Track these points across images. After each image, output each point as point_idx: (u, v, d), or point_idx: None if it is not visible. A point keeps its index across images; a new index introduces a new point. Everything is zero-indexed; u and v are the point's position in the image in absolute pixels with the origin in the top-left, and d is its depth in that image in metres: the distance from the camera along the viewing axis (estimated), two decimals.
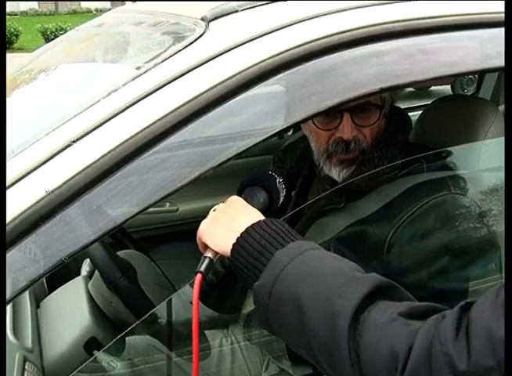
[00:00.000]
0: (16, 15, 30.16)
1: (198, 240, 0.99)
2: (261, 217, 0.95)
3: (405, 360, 0.73)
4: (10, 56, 2.91)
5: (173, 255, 2.22)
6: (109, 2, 37.15)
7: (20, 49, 18.45)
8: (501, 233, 1.35)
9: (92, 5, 36.49)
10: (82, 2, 37.18)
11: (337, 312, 0.78)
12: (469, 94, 3.18)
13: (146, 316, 1.15)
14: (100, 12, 32.92)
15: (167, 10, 1.33)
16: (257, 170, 1.21)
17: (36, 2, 35.54)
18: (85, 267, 1.60)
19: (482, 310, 0.72)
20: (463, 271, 1.25)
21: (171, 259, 2.13)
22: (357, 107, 1.33)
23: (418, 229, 1.26)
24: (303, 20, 1.03)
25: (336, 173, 1.42)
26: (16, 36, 19.81)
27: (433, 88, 6.48)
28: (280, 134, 0.99)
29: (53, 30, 19.94)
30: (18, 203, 0.87)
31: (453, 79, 5.27)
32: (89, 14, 32.88)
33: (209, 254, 0.96)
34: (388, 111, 1.44)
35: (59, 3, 36.76)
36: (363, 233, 1.31)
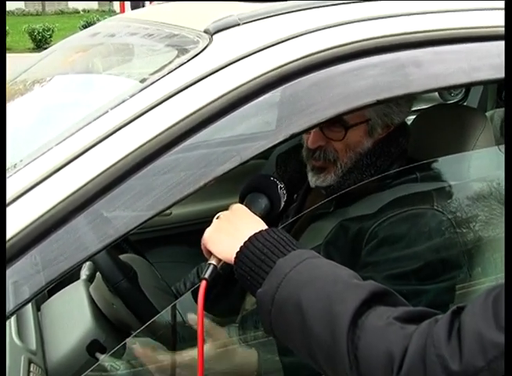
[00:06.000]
0: None
1: (202, 247, 1.02)
2: (264, 226, 0.99)
3: (401, 361, 0.77)
4: None
5: (166, 258, 2.25)
6: (96, 3, 36.97)
7: (8, 49, 18.34)
8: (487, 238, 1.40)
9: (80, 6, 36.27)
10: (69, 2, 36.96)
11: (337, 317, 0.82)
12: (456, 99, 3.23)
13: (151, 321, 1.18)
14: (88, 12, 32.72)
15: (168, 20, 1.36)
16: (259, 175, 1.24)
17: (22, 2, 35.28)
18: (84, 271, 1.62)
19: (472, 313, 0.77)
20: (424, 283, 1.28)
21: (164, 262, 2.15)
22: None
23: (391, 233, 1.31)
24: (301, 34, 1.06)
25: (310, 178, 1.47)
26: (5, 36, 19.68)
27: None
28: (281, 144, 1.02)
29: (40, 30, 19.77)
30: (28, 212, 0.90)
31: None
32: (77, 14, 32.69)
33: (213, 262, 0.99)
34: (380, 129, 1.43)
35: (46, 3, 36.51)
36: (347, 231, 1.36)
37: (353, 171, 1.42)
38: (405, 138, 1.47)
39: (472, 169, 1.41)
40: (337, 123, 1.38)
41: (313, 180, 1.46)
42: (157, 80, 1.01)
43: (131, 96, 0.99)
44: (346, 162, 1.42)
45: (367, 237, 1.33)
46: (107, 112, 0.97)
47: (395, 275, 1.27)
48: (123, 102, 0.98)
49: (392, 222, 1.32)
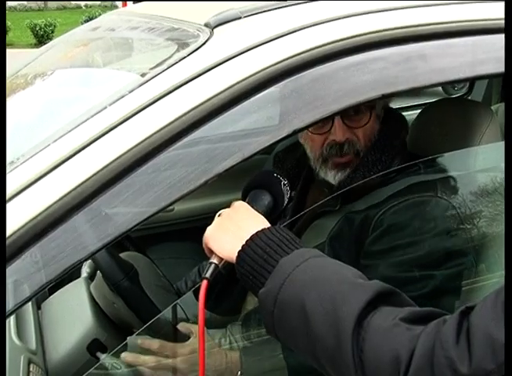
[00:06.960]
0: None
1: (204, 246, 1.00)
2: (266, 224, 0.97)
3: (408, 364, 0.75)
4: None
5: (168, 255, 2.24)
6: None
7: (10, 45, 18.33)
8: (492, 234, 1.38)
9: (82, 1, 36.24)
10: None
11: (341, 318, 0.80)
12: (460, 93, 3.20)
13: (153, 320, 1.16)
14: (90, 8, 32.67)
15: (168, 14, 1.34)
16: (263, 172, 1.23)
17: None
18: (85, 268, 1.61)
19: (482, 314, 0.75)
20: (430, 269, 1.27)
21: (166, 258, 2.15)
22: (347, 109, 1.36)
23: (396, 221, 1.31)
24: (304, 27, 1.04)
25: (331, 176, 1.45)
26: (5, 31, 19.67)
27: None
28: (284, 140, 1.00)
29: (42, 26, 19.73)
30: (27, 210, 0.88)
31: None
32: (78, 10, 32.65)
33: (214, 260, 0.98)
34: (383, 112, 1.46)
35: None
36: (352, 222, 1.35)
37: (360, 167, 1.41)
38: (405, 130, 1.49)
39: (478, 164, 1.39)
40: (358, 108, 1.36)
41: (336, 177, 1.44)
42: (157, 75, 0.99)
43: (130, 92, 0.97)
44: (366, 154, 1.42)
45: (373, 226, 1.33)
46: (105, 108, 0.95)
47: (401, 262, 1.27)
48: (122, 97, 0.96)
49: (397, 209, 1.32)
